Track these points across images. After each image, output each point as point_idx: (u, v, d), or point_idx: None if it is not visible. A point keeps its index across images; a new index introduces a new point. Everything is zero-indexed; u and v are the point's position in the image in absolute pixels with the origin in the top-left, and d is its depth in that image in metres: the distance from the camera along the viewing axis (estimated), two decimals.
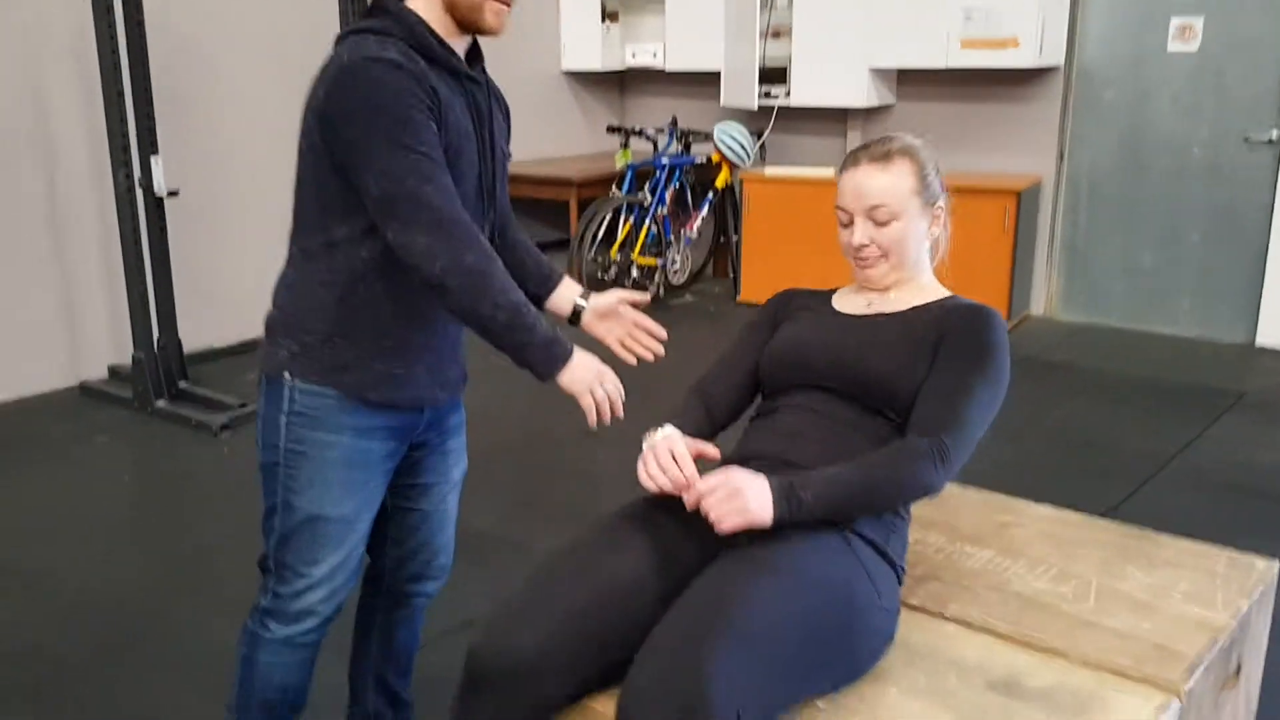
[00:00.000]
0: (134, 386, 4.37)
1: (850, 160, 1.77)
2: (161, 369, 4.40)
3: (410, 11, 1.64)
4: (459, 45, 1.69)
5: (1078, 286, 5.83)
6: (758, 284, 6.10)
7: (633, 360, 1.92)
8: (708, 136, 6.01)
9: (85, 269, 4.60)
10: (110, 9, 4.04)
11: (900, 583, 1.63)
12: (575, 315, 1.93)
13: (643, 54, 6.71)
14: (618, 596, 1.47)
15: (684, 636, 1.33)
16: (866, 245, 1.76)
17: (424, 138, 1.55)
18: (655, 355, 1.92)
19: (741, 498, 1.49)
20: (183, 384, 4.49)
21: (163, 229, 4.32)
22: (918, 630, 1.63)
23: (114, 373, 4.68)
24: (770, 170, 6.10)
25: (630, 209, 5.87)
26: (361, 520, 1.81)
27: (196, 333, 4.82)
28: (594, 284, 5.97)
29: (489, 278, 1.58)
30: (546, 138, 6.64)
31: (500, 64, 2.19)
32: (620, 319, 1.92)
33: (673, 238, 6.09)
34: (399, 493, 1.94)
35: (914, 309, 1.75)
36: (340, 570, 1.80)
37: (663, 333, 1.91)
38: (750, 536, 1.50)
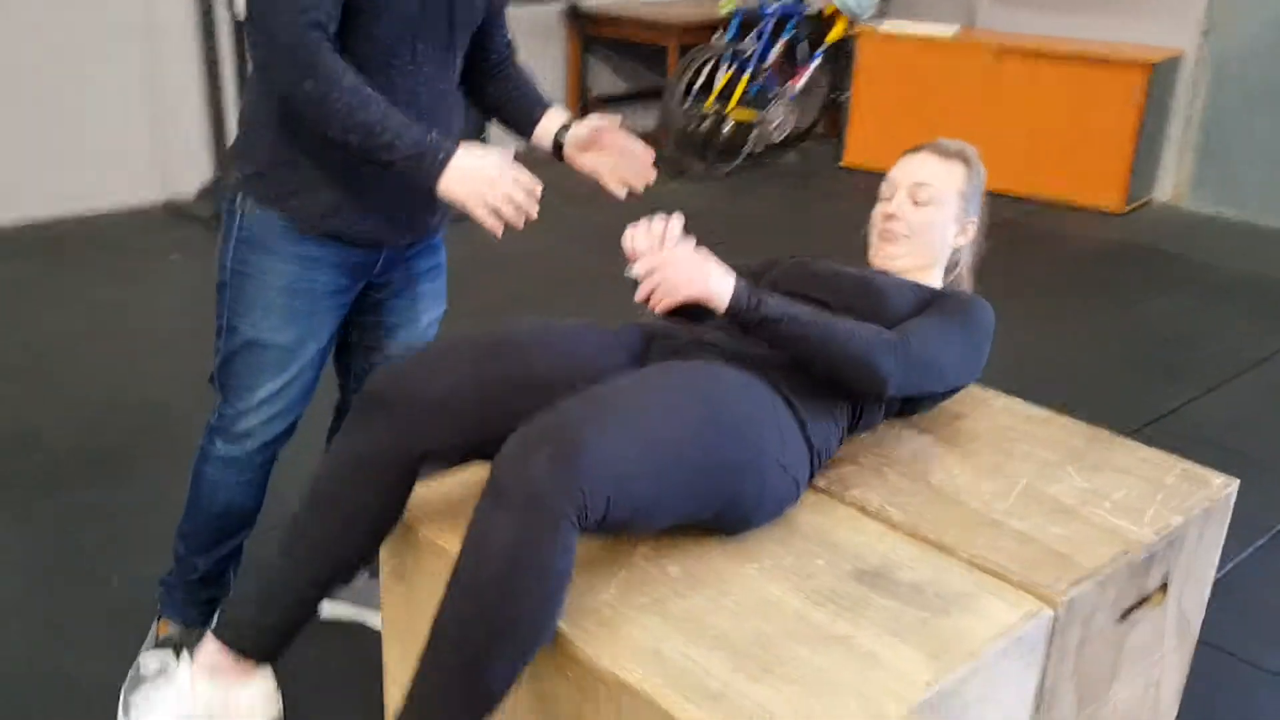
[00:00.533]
0: (213, 207, 4.50)
1: (912, 149, 1.86)
2: None
3: None
4: None
5: (1211, 174, 5.39)
6: (864, 147, 5.84)
7: (622, 194, 1.81)
8: None
9: (181, 88, 4.70)
10: None
11: (814, 467, 1.55)
12: (558, 149, 1.83)
13: None
14: (530, 378, 1.47)
15: (576, 409, 1.30)
16: (898, 218, 1.79)
17: None
18: (647, 183, 1.82)
19: (705, 270, 1.48)
20: None
21: (242, 54, 4.36)
22: (811, 510, 1.56)
23: (203, 193, 4.83)
24: (887, 26, 5.76)
25: (732, 59, 5.64)
26: (304, 350, 1.80)
27: None
28: (684, 137, 5.82)
29: (328, 102, 1.52)
30: None
31: None
32: (606, 148, 1.80)
33: (776, 92, 5.85)
34: (364, 330, 1.95)
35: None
36: (280, 397, 1.81)
37: (649, 152, 1.80)
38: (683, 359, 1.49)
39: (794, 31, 5.91)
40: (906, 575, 1.42)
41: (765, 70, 5.75)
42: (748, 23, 5.72)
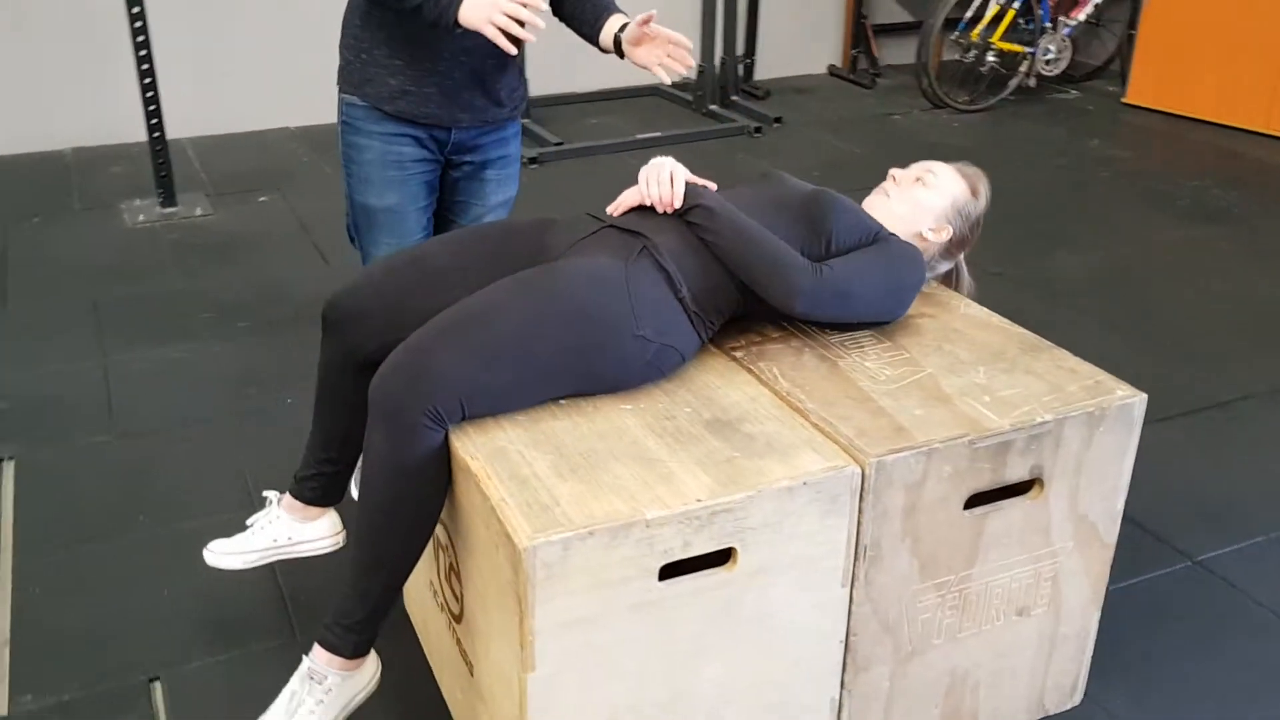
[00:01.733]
0: None
1: None
2: None
3: None
4: None
5: None
6: (1149, 86, 5.56)
7: (667, 79, 2.09)
8: None
9: None
10: None
11: (699, 326, 1.77)
12: (618, 48, 2.13)
13: None
14: (435, 290, 1.79)
15: (428, 331, 1.63)
16: (894, 179, 2.00)
17: None
18: (686, 66, 2.08)
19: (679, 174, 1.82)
20: (524, 120, 5.13)
21: None
22: (710, 371, 1.78)
23: None
24: None
25: None
26: (408, 211, 2.23)
27: (548, 79, 5.44)
28: (947, 67, 5.78)
29: None
30: None
31: None
32: (653, 41, 2.07)
33: (1049, 24, 5.65)
34: (448, 207, 2.35)
35: None
36: (396, 248, 2.20)
37: (688, 43, 2.06)
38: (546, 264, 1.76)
39: None
40: (751, 428, 1.64)
41: (1040, 1, 5.57)
42: None
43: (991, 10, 5.53)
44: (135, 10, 3.77)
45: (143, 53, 3.85)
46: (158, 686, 2.01)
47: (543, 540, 1.40)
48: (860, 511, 1.59)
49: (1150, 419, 2.66)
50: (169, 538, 2.37)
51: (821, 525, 1.57)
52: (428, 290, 1.75)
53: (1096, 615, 1.90)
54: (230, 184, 4.46)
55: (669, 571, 1.50)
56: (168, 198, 4.12)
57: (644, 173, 1.82)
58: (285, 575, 2.24)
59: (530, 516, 1.43)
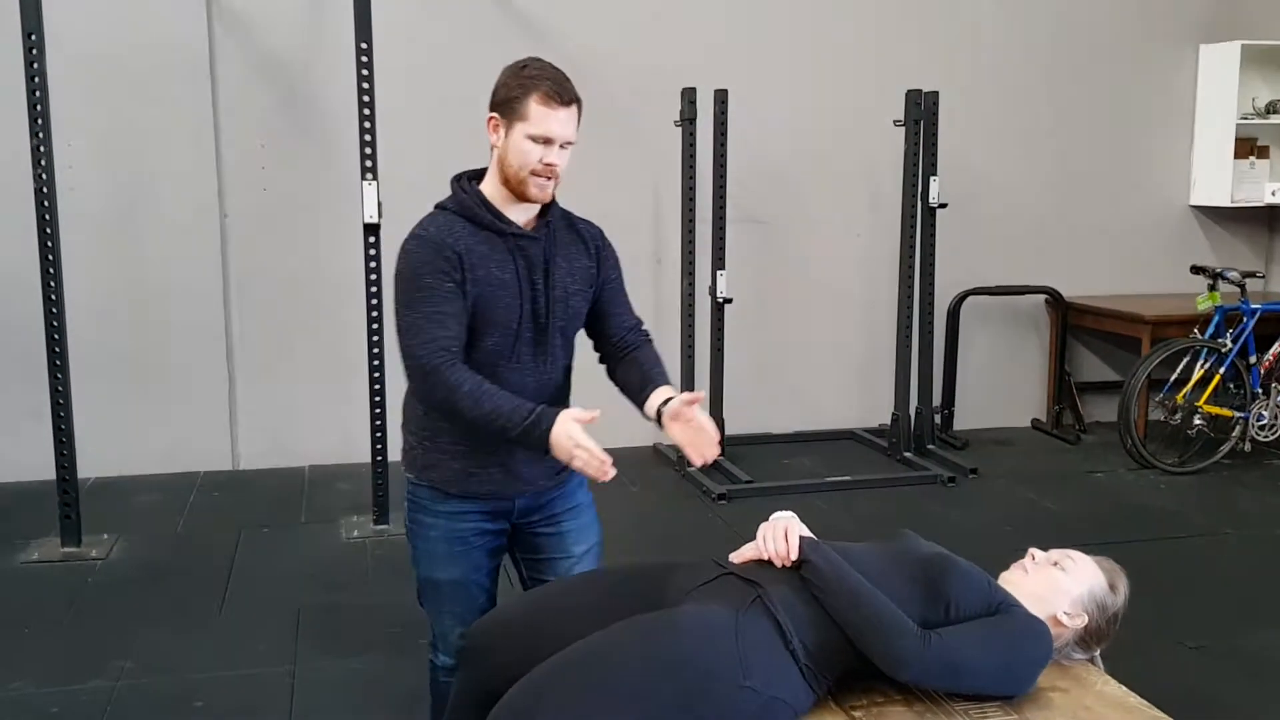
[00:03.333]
0: (676, 453, 5.39)
1: None
2: None
3: (469, 188, 2.19)
4: (523, 210, 2.19)
5: None
6: None
7: (698, 462, 2.15)
8: None
9: (673, 355, 5.72)
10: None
11: (811, 680, 1.81)
12: (659, 419, 2.19)
13: None
14: (561, 622, 1.92)
15: (546, 670, 1.73)
16: (1034, 557, 2.09)
17: (431, 297, 2.08)
18: (705, 458, 2.13)
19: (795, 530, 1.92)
20: (719, 458, 5.36)
21: (720, 329, 5.29)
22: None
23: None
24: None
25: (1208, 354, 5.49)
26: (470, 582, 2.29)
27: (746, 419, 5.71)
28: (1154, 427, 5.70)
29: (455, 404, 2.07)
30: (1149, 271, 6.41)
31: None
32: (687, 422, 2.13)
33: (1261, 389, 5.54)
34: (529, 566, 2.37)
35: None
36: (462, 618, 2.26)
37: (715, 434, 2.12)
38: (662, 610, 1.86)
39: None
40: None
41: (1249, 367, 5.50)
42: (1232, 318, 5.56)
43: (1197, 373, 5.49)
44: (375, 350, 4.31)
45: (376, 387, 4.36)
46: None
47: None
48: None
49: None
50: None
51: None
52: (555, 627, 1.87)
53: None
54: None
55: None
56: (381, 515, 4.50)
57: (763, 529, 1.93)
58: None
59: None
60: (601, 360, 2.39)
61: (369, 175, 4.23)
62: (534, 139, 2.09)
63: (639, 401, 2.25)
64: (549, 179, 2.13)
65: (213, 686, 3.22)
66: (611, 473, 1.99)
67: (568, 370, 2.35)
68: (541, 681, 1.71)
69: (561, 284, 2.22)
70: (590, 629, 1.81)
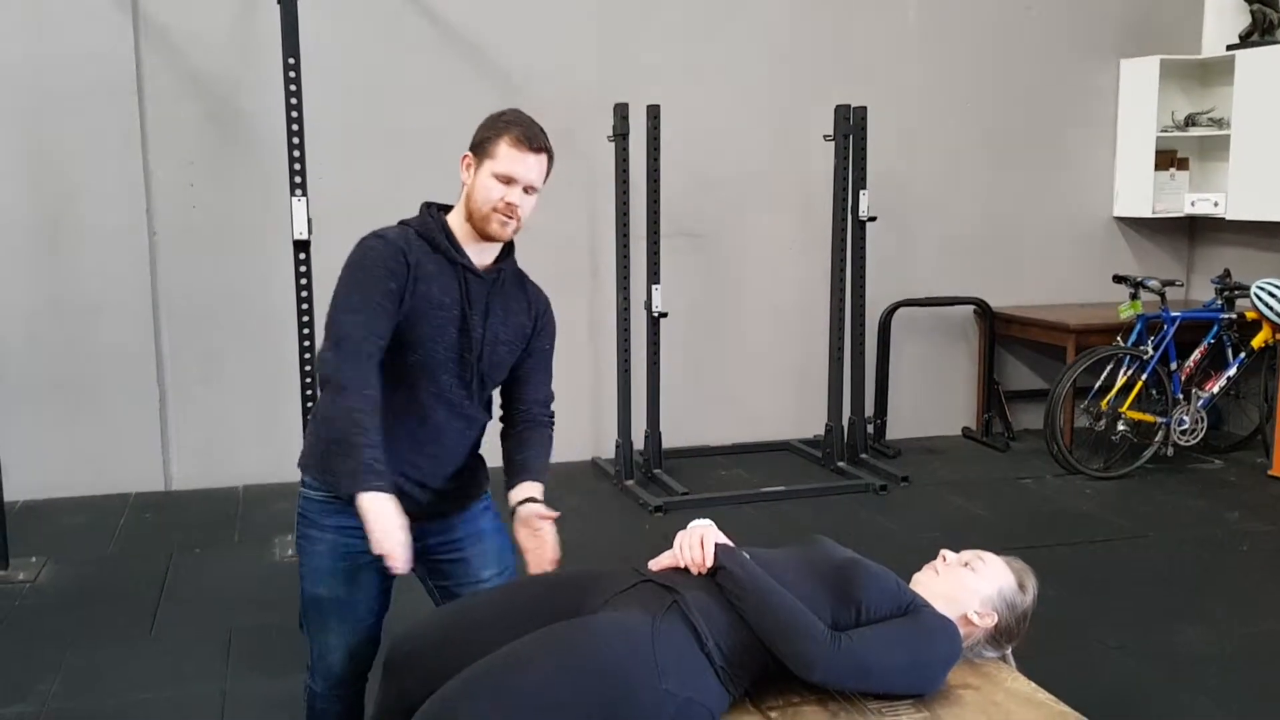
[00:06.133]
0: (614, 466, 5.42)
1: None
2: (646, 456, 5.41)
3: (435, 215, 2.24)
4: (485, 249, 2.23)
5: None
6: None
7: (533, 570, 2.19)
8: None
9: (610, 369, 5.75)
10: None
11: (727, 682, 1.85)
12: (513, 514, 2.25)
13: (1202, 203, 6.36)
14: (479, 634, 1.93)
15: (461, 679, 1.76)
16: (946, 559, 2.14)
17: (377, 287, 2.12)
18: (542, 568, 2.18)
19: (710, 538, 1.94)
20: (656, 470, 5.43)
21: (656, 343, 5.33)
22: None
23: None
24: None
25: (1130, 361, 5.64)
26: (356, 602, 2.26)
27: (683, 431, 5.76)
28: (1079, 434, 5.84)
29: (334, 404, 2.08)
30: (1075, 281, 6.56)
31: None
32: (534, 531, 2.21)
33: (1182, 395, 5.70)
34: (441, 592, 2.35)
35: None
36: (345, 640, 2.29)
37: (556, 552, 2.19)
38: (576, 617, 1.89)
39: (1216, 336, 5.79)
40: None
41: (1170, 373, 5.66)
42: (1154, 326, 5.71)
43: (1120, 380, 5.63)
44: (307, 368, 4.30)
45: (310, 405, 4.34)
46: None
47: None
48: None
49: None
50: None
51: None
52: (474, 639, 1.90)
53: None
54: None
55: None
56: None
57: (680, 537, 1.97)
58: None
59: None
60: (502, 420, 2.43)
61: (298, 191, 4.22)
62: (498, 177, 2.16)
63: (508, 482, 2.31)
64: (509, 218, 2.19)
65: (143, 708, 3.19)
66: (401, 567, 2.00)
67: (482, 428, 2.37)
68: (457, 691, 1.73)
69: (494, 330, 2.26)
70: (510, 638, 1.83)
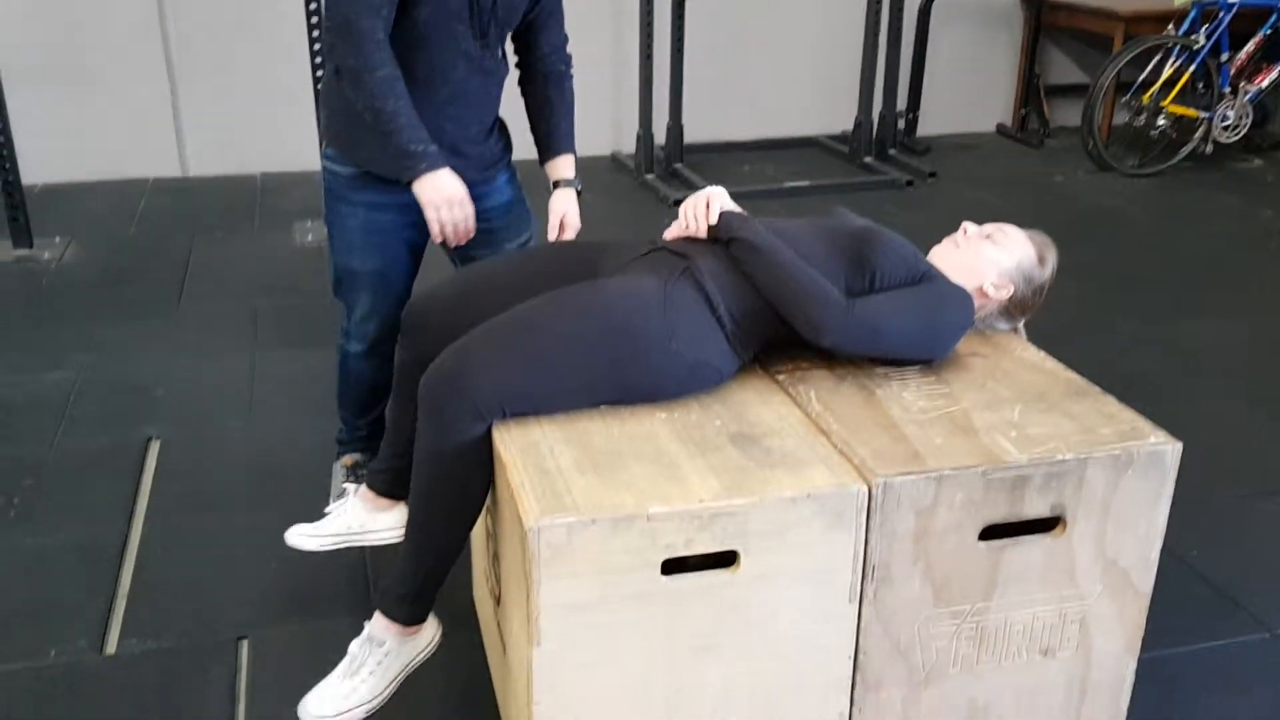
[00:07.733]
0: (634, 160, 5.33)
1: None
2: (667, 150, 5.32)
3: None
4: None
5: None
6: None
7: (553, 238, 2.29)
8: None
9: (632, 58, 5.53)
10: None
11: (737, 346, 1.86)
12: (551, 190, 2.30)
13: None
14: (495, 296, 1.94)
15: (473, 339, 1.77)
16: (965, 231, 2.05)
17: None
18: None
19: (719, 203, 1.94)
20: (677, 165, 5.33)
21: (680, 29, 5.10)
22: (749, 389, 1.86)
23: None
24: None
25: (1181, 52, 5.36)
26: (388, 271, 2.29)
27: (707, 126, 5.61)
28: (1118, 131, 5.65)
29: (361, 83, 2.01)
30: None
31: None
32: (563, 216, 2.30)
33: (1229, 88, 5.46)
34: (464, 263, 2.33)
35: None
36: (378, 309, 2.33)
37: (576, 225, 2.31)
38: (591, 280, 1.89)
39: (1274, 26, 5.47)
40: (771, 442, 1.71)
41: (1220, 65, 5.40)
42: (1207, 14, 5.40)
43: (1166, 73, 5.39)
44: (318, 59, 4.15)
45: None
46: (245, 644, 2.22)
47: (548, 522, 1.51)
48: (868, 530, 1.64)
49: (1268, 490, 2.58)
50: (279, 517, 2.59)
51: (825, 539, 1.62)
52: (489, 300, 1.90)
53: (1132, 665, 1.86)
54: None
55: (677, 568, 1.59)
56: None
57: (686, 203, 1.93)
58: (373, 559, 2.42)
59: (542, 501, 1.55)
60: (519, 68, 2.35)
61: None
62: None
63: (541, 152, 2.37)
64: None
65: (176, 377, 3.29)
66: (461, 239, 2.11)
67: (500, 83, 2.29)
68: (470, 344, 1.74)
69: None
70: (525, 299, 1.84)
